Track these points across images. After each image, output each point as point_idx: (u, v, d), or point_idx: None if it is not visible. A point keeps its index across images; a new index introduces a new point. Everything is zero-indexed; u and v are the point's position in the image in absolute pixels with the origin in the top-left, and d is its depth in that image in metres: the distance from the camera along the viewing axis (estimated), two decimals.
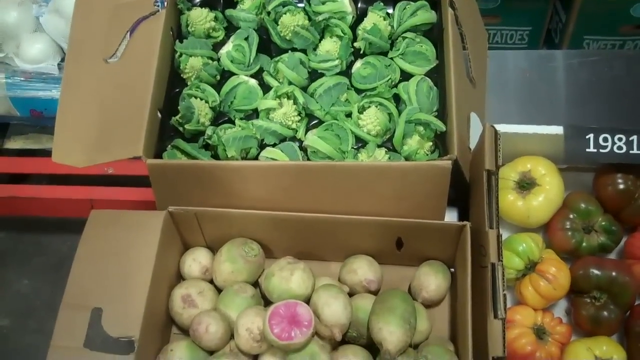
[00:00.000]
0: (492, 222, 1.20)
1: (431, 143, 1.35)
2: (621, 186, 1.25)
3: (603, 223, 1.26)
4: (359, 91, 1.43)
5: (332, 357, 1.22)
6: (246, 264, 1.28)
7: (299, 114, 1.39)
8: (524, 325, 1.19)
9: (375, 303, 1.21)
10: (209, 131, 1.37)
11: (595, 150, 1.22)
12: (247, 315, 1.19)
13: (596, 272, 1.20)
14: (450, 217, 1.42)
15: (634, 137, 1.22)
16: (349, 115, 1.39)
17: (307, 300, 1.24)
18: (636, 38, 2.13)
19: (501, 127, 1.26)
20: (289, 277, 1.23)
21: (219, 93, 1.41)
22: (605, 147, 1.23)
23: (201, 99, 1.41)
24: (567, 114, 1.59)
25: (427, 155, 1.35)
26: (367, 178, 1.28)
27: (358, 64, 1.45)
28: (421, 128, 1.35)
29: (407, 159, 1.35)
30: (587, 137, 1.23)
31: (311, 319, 1.15)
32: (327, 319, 1.19)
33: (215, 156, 1.37)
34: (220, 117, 1.43)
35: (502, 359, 1.11)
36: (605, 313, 1.20)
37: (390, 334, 1.17)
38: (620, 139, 1.23)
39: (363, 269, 1.29)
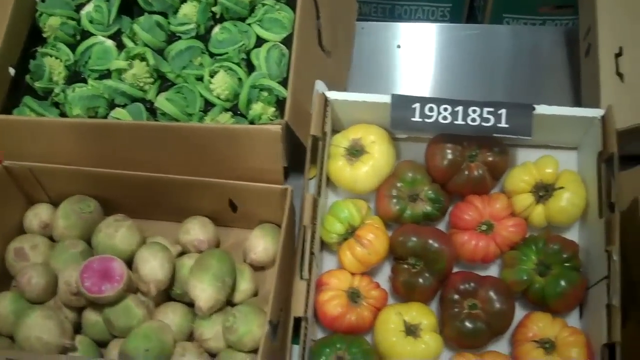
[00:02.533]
0: (310, 187, 1.22)
1: (274, 108, 1.37)
2: (449, 157, 1.26)
3: (429, 192, 1.27)
4: (214, 56, 1.44)
5: (155, 313, 1.25)
6: (80, 220, 1.31)
7: (151, 76, 1.41)
8: (339, 288, 1.21)
9: (194, 262, 1.24)
10: (57, 89, 1.39)
11: (420, 119, 1.23)
12: (68, 269, 1.22)
13: (413, 239, 1.21)
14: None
15: (459, 108, 1.23)
16: (201, 78, 1.41)
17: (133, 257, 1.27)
18: (556, 18, 2.12)
19: (333, 95, 1.27)
20: (114, 233, 1.26)
21: None
22: (431, 116, 1.23)
23: (56, 58, 1.42)
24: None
25: (271, 120, 1.36)
26: (201, 140, 1.30)
27: (216, 29, 1.47)
28: (265, 93, 1.37)
29: (251, 123, 1.36)
30: (413, 106, 1.23)
31: (123, 274, 1.18)
32: (145, 275, 1.22)
33: (64, 115, 1.39)
34: (76, 77, 1.44)
35: (304, 319, 1.13)
36: (420, 280, 1.22)
37: (202, 291, 1.20)
38: (445, 109, 1.23)
39: (195, 230, 1.32)
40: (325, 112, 1.26)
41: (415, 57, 1.63)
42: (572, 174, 1.27)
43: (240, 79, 1.39)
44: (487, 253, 1.24)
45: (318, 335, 1.25)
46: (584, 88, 1.49)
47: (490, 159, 1.27)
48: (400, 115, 1.24)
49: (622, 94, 1.33)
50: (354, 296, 1.22)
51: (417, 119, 1.24)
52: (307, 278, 1.16)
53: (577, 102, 1.53)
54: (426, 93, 1.58)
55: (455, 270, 1.26)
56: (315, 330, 1.26)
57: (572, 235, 1.29)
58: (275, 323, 1.17)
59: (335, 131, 1.34)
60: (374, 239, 1.22)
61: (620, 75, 1.34)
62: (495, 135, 1.22)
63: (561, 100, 1.57)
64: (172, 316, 1.23)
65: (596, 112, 1.24)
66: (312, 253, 1.18)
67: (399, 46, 1.65)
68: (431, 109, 1.24)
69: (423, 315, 1.21)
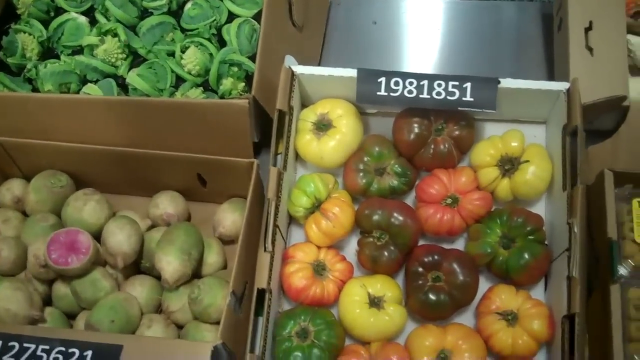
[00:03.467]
0: (276, 161, 1.23)
1: (244, 83, 1.37)
2: (415, 131, 1.26)
3: (395, 166, 1.27)
4: (186, 31, 1.45)
5: (123, 286, 1.26)
6: (51, 194, 1.32)
7: (123, 52, 1.41)
8: (304, 261, 1.22)
9: (161, 236, 1.25)
10: (29, 65, 1.40)
11: (386, 93, 1.23)
12: (37, 242, 1.24)
13: (378, 212, 1.22)
14: None
15: (425, 82, 1.23)
16: (172, 54, 1.41)
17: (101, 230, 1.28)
18: None
19: (300, 69, 1.28)
20: (82, 207, 1.28)
21: None
22: (396, 90, 1.24)
23: (29, 34, 1.43)
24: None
25: (241, 95, 1.37)
26: (171, 115, 1.31)
27: (189, 4, 1.47)
28: (235, 69, 1.37)
29: (222, 98, 1.37)
30: (378, 80, 1.24)
31: (89, 246, 1.20)
32: (112, 248, 1.23)
33: (37, 90, 1.40)
34: (50, 53, 1.45)
35: (267, 291, 1.15)
36: (385, 253, 1.22)
37: (168, 264, 1.21)
38: (411, 83, 1.24)
39: (164, 204, 1.33)
40: (292, 86, 1.27)
41: (391, 33, 1.63)
42: (538, 148, 1.27)
43: (211, 55, 1.39)
44: (452, 226, 1.24)
45: (285, 307, 1.26)
46: (557, 62, 1.48)
47: (456, 132, 1.27)
48: (366, 89, 1.24)
49: (592, 67, 1.33)
50: (319, 269, 1.23)
51: (382, 92, 1.24)
52: (271, 250, 1.17)
53: (553, 77, 1.53)
54: (402, 69, 1.57)
55: (422, 243, 1.27)
56: (282, 303, 1.27)
57: (539, 208, 1.29)
58: (239, 295, 1.18)
59: (305, 106, 1.34)
60: (339, 213, 1.23)
61: (590, 49, 1.34)
62: (460, 108, 1.23)
63: (539, 74, 1.56)
64: (140, 289, 1.24)
65: (561, 86, 1.24)
66: (276, 226, 1.19)
67: (374, 22, 1.64)
68: (397, 83, 1.24)
69: (387, 287, 1.22)
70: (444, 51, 1.62)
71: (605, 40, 1.34)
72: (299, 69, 1.28)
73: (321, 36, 1.57)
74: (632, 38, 1.38)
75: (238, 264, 1.17)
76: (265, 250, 1.16)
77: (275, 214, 1.18)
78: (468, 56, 1.60)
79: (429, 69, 1.60)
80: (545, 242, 1.24)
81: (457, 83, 1.23)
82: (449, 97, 1.22)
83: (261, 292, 1.15)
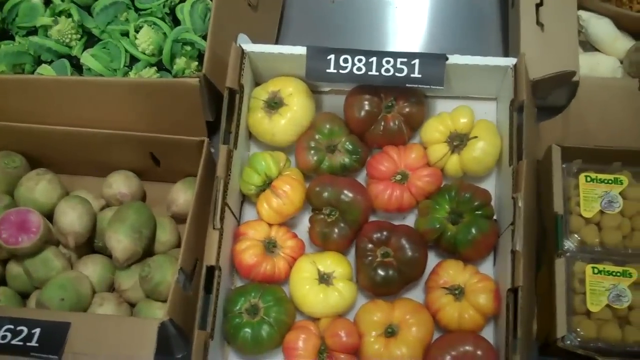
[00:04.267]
0: (228, 139, 1.23)
1: (197, 62, 1.37)
2: (365, 108, 1.26)
3: (346, 144, 1.28)
4: (140, 11, 1.44)
5: (76, 265, 1.27)
6: (4, 175, 1.33)
7: (77, 32, 1.41)
8: (255, 238, 1.23)
9: (112, 215, 1.25)
10: None
11: (335, 70, 1.24)
12: None
13: (328, 189, 1.23)
14: None
15: (373, 59, 1.24)
16: (127, 34, 1.41)
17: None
18: None
19: (250, 47, 1.28)
20: (34, 187, 1.28)
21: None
22: (345, 67, 1.24)
23: None
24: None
25: (194, 74, 1.37)
26: (123, 95, 1.31)
27: None
28: (188, 47, 1.37)
29: (175, 77, 1.37)
30: (328, 57, 1.24)
31: (40, 225, 1.20)
32: (63, 227, 1.24)
33: None
34: (4, 34, 1.45)
35: (214, 267, 1.16)
36: (336, 230, 1.23)
37: (118, 242, 1.22)
38: (360, 60, 1.24)
39: (117, 183, 1.34)
40: (242, 64, 1.27)
41: (349, 11, 1.63)
42: (486, 124, 1.27)
43: (165, 34, 1.40)
44: (401, 202, 1.25)
45: (238, 284, 1.27)
46: (510, 39, 1.49)
47: (407, 110, 1.28)
48: (315, 66, 1.25)
49: (542, 43, 1.33)
50: (269, 246, 1.24)
51: (332, 70, 1.24)
52: (220, 228, 1.17)
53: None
54: (360, 47, 1.57)
55: (374, 220, 1.28)
56: (235, 280, 1.28)
57: (489, 184, 1.30)
58: (188, 272, 1.19)
59: (259, 85, 1.35)
60: (290, 190, 1.24)
61: (540, 25, 1.34)
62: (408, 85, 1.23)
63: (497, 51, 1.56)
64: (93, 267, 1.25)
65: (509, 61, 1.25)
66: (225, 204, 1.20)
67: (332, 1, 1.64)
68: (346, 60, 1.25)
69: (337, 264, 1.23)
70: (402, 29, 1.62)
71: (556, 16, 1.35)
72: (249, 47, 1.28)
73: (277, 15, 1.56)
74: (583, 14, 1.39)
75: (187, 242, 1.17)
76: (214, 227, 1.17)
77: (224, 192, 1.19)
78: (426, 34, 1.61)
79: (388, 47, 1.60)
80: (495, 218, 1.25)
81: (405, 60, 1.23)
82: (397, 74, 1.23)
83: (210, 269, 1.16)
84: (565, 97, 1.34)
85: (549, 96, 1.37)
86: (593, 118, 1.31)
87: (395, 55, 1.23)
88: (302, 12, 1.63)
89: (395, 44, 1.60)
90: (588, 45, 1.41)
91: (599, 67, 1.36)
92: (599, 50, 1.40)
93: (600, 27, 1.37)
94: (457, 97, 1.35)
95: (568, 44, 1.33)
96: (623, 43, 1.37)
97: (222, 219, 1.18)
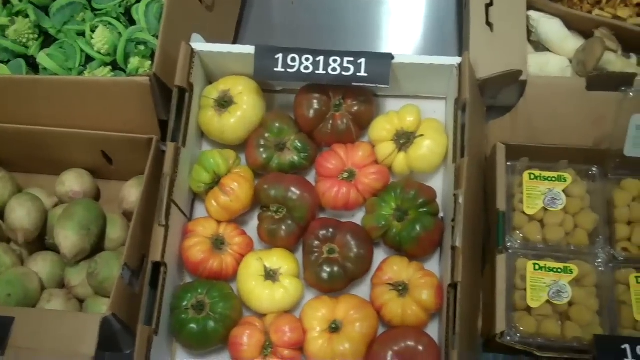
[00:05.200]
0: (177, 136, 1.25)
1: (151, 62, 1.39)
2: (314, 107, 1.28)
3: (296, 142, 1.29)
4: (96, 11, 1.46)
5: (26, 261, 1.28)
6: None
7: (34, 32, 1.43)
8: (203, 235, 1.24)
9: (62, 212, 1.27)
10: None
11: (283, 69, 1.25)
12: None
13: (275, 187, 1.24)
14: None
15: (321, 58, 1.25)
16: (83, 34, 1.43)
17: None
18: None
19: (199, 46, 1.30)
20: None
21: None
22: (293, 66, 1.25)
23: None
24: None
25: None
26: (76, 93, 1.32)
27: None
28: (142, 47, 1.39)
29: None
30: (276, 56, 1.25)
31: None
32: (12, 224, 1.26)
33: None
34: None
35: (160, 264, 1.17)
36: (283, 227, 1.24)
37: (66, 238, 1.23)
38: (307, 59, 1.25)
39: (70, 181, 1.35)
40: (191, 63, 1.29)
41: (308, 12, 1.65)
42: (433, 122, 1.29)
43: (120, 34, 1.41)
44: (348, 200, 1.26)
45: (187, 281, 1.28)
46: (464, 39, 1.50)
47: (355, 108, 1.29)
48: (263, 65, 1.26)
49: (491, 43, 1.35)
50: (217, 243, 1.25)
51: (279, 69, 1.26)
52: (164, 224, 1.19)
53: None
54: (319, 47, 1.59)
55: (322, 217, 1.30)
56: (184, 277, 1.29)
57: (437, 182, 1.31)
58: (133, 268, 1.20)
59: (210, 84, 1.36)
60: (238, 188, 1.25)
61: (490, 25, 1.36)
62: (354, 84, 1.24)
63: (453, 51, 1.58)
64: (43, 264, 1.26)
65: (453, 61, 1.26)
66: (171, 200, 1.21)
67: (292, 2, 1.66)
68: (293, 59, 1.26)
69: (284, 260, 1.24)
70: (361, 29, 1.63)
71: (506, 16, 1.36)
72: (198, 46, 1.29)
73: (235, 16, 1.58)
74: (533, 14, 1.40)
75: (132, 238, 1.19)
76: (159, 224, 1.18)
77: (171, 189, 1.20)
78: (384, 34, 1.62)
79: (347, 47, 1.60)
80: (441, 215, 1.26)
81: (352, 59, 1.25)
82: (344, 73, 1.24)
83: (156, 266, 1.17)
84: (516, 96, 1.35)
85: (498, 95, 1.38)
86: (541, 117, 1.32)
87: (342, 54, 1.25)
88: (262, 13, 1.64)
89: (352, 44, 1.61)
90: (540, 45, 1.42)
91: (548, 66, 1.38)
92: (549, 50, 1.41)
93: (550, 27, 1.39)
94: (407, 96, 1.36)
95: (517, 44, 1.35)
96: (573, 43, 1.39)
97: (167, 215, 1.19)
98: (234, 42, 1.57)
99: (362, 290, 1.26)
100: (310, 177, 1.33)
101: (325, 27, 1.64)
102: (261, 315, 1.23)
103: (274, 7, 1.65)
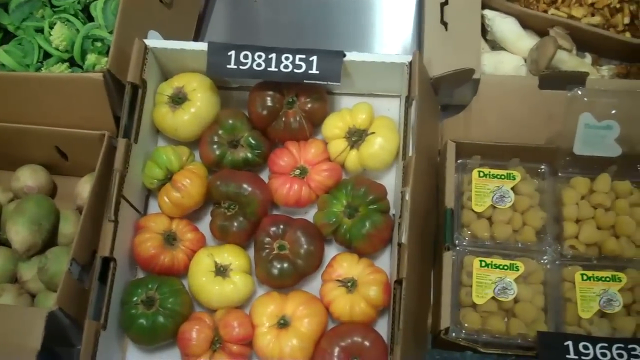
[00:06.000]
0: (129, 133, 1.25)
1: (107, 58, 1.39)
2: (267, 104, 1.28)
3: (249, 139, 1.30)
4: (55, 8, 1.46)
5: None
6: None
7: None
8: (155, 231, 1.25)
9: (14, 207, 1.27)
10: None
11: (235, 66, 1.26)
12: None
13: (227, 183, 1.25)
14: None
15: (273, 55, 1.26)
16: (41, 30, 1.43)
17: None
18: None
19: (153, 43, 1.30)
20: None
21: None
22: (246, 63, 1.26)
23: None
24: None
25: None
26: (32, 89, 1.33)
27: None
28: (99, 44, 1.39)
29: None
30: (228, 53, 1.26)
31: None
32: None
33: None
34: None
35: (110, 259, 1.17)
36: (235, 223, 1.25)
37: (17, 233, 1.24)
38: (260, 57, 1.26)
39: (25, 176, 1.35)
40: (145, 59, 1.29)
41: (271, 10, 1.65)
42: (385, 120, 1.29)
43: (78, 31, 1.41)
44: (300, 197, 1.27)
45: (141, 277, 1.29)
46: (421, 37, 1.51)
47: (308, 106, 1.30)
48: (216, 62, 1.27)
49: (445, 42, 1.35)
50: (169, 239, 1.25)
51: (232, 65, 1.26)
52: (113, 220, 1.19)
53: None
54: (281, 45, 1.60)
55: (274, 214, 1.30)
56: (137, 273, 1.30)
57: (390, 178, 1.32)
58: (83, 264, 1.20)
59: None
60: (189, 184, 1.26)
61: (444, 24, 1.36)
62: (306, 81, 1.25)
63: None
64: None
65: (404, 59, 1.27)
66: (121, 196, 1.21)
67: (255, 0, 1.66)
68: (246, 56, 1.27)
69: (234, 256, 1.25)
70: (323, 26, 1.64)
71: (460, 15, 1.37)
72: (152, 43, 1.30)
73: (196, 13, 1.58)
74: (488, 13, 1.41)
75: (81, 233, 1.19)
76: (109, 220, 1.19)
77: (120, 185, 1.21)
78: (345, 31, 1.63)
79: (308, 45, 1.61)
80: (393, 212, 1.27)
81: (304, 56, 1.25)
82: (296, 70, 1.25)
83: (105, 261, 1.18)
84: (471, 95, 1.36)
85: (454, 94, 1.39)
86: (494, 115, 1.33)
87: (294, 51, 1.25)
88: (225, 11, 1.65)
89: (313, 41, 1.61)
90: (497, 44, 1.43)
91: (503, 65, 1.39)
92: (504, 49, 1.42)
93: (505, 26, 1.40)
94: (363, 94, 1.37)
95: (471, 43, 1.35)
96: (527, 42, 1.39)
97: (117, 211, 1.19)
98: (196, 39, 1.58)
99: (314, 286, 1.27)
100: (265, 174, 1.33)
101: (287, 25, 1.64)
102: (212, 311, 1.24)
103: (236, 5, 1.66)
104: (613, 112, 1.23)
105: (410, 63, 1.25)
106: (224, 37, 1.62)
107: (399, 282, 1.13)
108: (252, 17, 1.65)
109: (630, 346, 1.09)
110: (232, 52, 1.26)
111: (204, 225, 1.31)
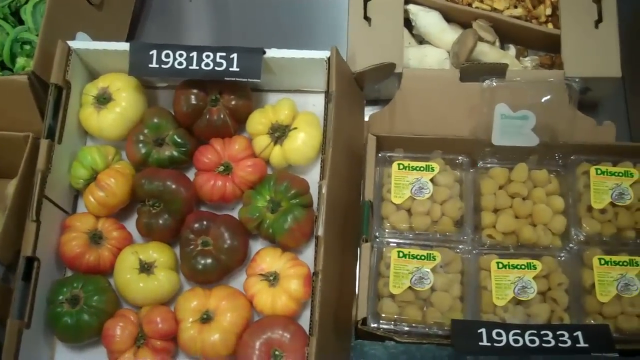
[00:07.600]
0: (52, 133, 1.27)
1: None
2: (191, 102, 1.30)
3: (174, 137, 1.31)
4: None
5: None
6: None
7: None
8: (80, 230, 1.26)
9: None
10: None
11: (157, 65, 1.27)
12: None
13: (151, 181, 1.26)
14: None
15: (194, 54, 1.27)
16: None
17: None
18: None
19: (75, 44, 1.31)
20: None
21: None
22: (167, 62, 1.27)
23: None
24: None
25: None
26: None
27: None
28: (27, 47, 1.40)
29: None
30: (150, 53, 1.27)
31: None
32: None
33: None
34: None
35: (33, 259, 1.18)
36: (160, 221, 1.26)
37: None
38: (181, 55, 1.27)
39: None
40: (68, 60, 1.30)
41: (206, 10, 1.67)
42: (308, 115, 1.31)
43: (8, 34, 1.42)
44: (224, 193, 1.28)
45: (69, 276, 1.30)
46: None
47: (232, 103, 1.31)
48: (138, 61, 1.28)
49: (369, 37, 1.37)
50: (95, 237, 1.27)
51: (154, 65, 1.28)
52: (35, 220, 1.20)
53: None
54: (217, 44, 1.61)
55: (198, 210, 1.32)
56: (66, 272, 1.31)
57: (315, 174, 1.33)
58: (7, 264, 1.22)
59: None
60: (113, 183, 1.27)
61: (368, 19, 1.38)
62: (226, 78, 1.26)
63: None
64: None
65: (323, 54, 1.28)
66: (44, 196, 1.23)
67: (190, 0, 1.68)
68: (167, 55, 1.28)
69: (159, 253, 1.26)
70: (258, 25, 1.65)
71: (383, 10, 1.39)
72: (76, 44, 1.31)
73: (128, 15, 1.59)
74: (412, 7, 1.43)
75: (4, 233, 1.21)
76: (31, 220, 1.20)
77: (42, 185, 1.22)
78: (280, 29, 1.64)
79: (243, 43, 1.63)
80: (312, 206, 1.29)
81: (224, 54, 1.27)
82: (217, 68, 1.26)
83: (29, 260, 1.19)
84: (397, 89, 1.38)
85: (381, 88, 1.41)
86: (417, 108, 1.35)
87: (214, 49, 1.27)
88: (160, 11, 1.66)
89: (250, 40, 1.62)
90: (423, 38, 1.45)
91: (427, 59, 1.41)
92: (429, 43, 1.43)
93: (428, 19, 1.41)
94: (289, 90, 1.39)
95: (393, 37, 1.37)
96: (451, 35, 1.41)
97: (39, 211, 1.20)
98: (130, 41, 1.59)
99: (240, 281, 1.28)
100: (191, 172, 1.34)
101: (223, 25, 1.66)
102: (138, 308, 1.25)
103: (171, 5, 1.67)
104: (529, 102, 1.25)
105: (329, 59, 1.27)
106: (158, 38, 1.63)
107: (316, 274, 1.15)
108: (187, 18, 1.66)
109: (542, 332, 1.11)
110: (154, 52, 1.28)
111: (132, 223, 1.32)
